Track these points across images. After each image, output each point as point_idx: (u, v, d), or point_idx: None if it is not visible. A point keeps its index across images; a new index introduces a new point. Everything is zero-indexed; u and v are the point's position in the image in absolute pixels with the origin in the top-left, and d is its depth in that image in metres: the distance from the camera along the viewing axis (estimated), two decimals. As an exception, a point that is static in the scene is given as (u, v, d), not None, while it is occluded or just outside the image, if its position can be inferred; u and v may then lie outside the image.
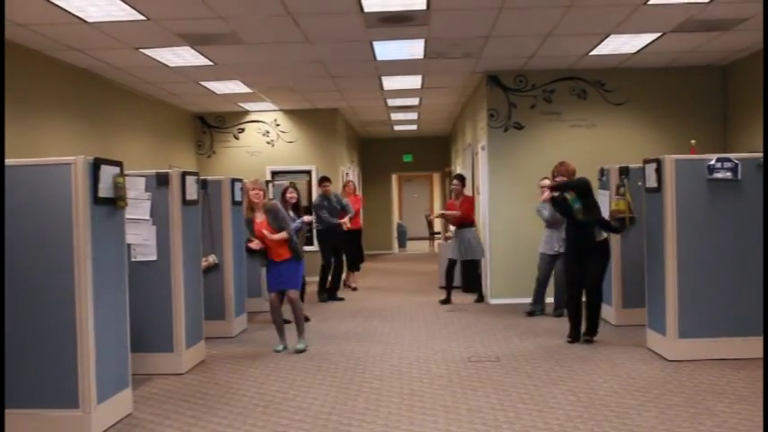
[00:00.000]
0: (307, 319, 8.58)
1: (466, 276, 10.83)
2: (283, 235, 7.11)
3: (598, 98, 10.05)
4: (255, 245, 7.24)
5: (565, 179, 7.20)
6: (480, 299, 10.06)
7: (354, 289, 11.85)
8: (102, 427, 4.93)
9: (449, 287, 10.14)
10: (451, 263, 10.15)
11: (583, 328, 7.31)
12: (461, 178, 10.47)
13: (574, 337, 7.32)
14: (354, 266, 11.85)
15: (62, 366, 4.82)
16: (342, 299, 10.72)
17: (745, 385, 5.61)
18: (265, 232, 7.08)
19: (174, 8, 6.55)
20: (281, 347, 7.36)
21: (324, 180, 10.88)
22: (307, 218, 9.21)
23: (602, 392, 5.54)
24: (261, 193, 7.20)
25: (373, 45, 8.25)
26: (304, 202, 12.52)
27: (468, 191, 10.71)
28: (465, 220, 10.04)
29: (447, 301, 10.01)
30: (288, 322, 7.73)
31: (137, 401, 5.56)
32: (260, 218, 7.19)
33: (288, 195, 9.01)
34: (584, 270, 7.23)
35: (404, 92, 11.89)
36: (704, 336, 6.44)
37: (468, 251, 9.92)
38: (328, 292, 10.67)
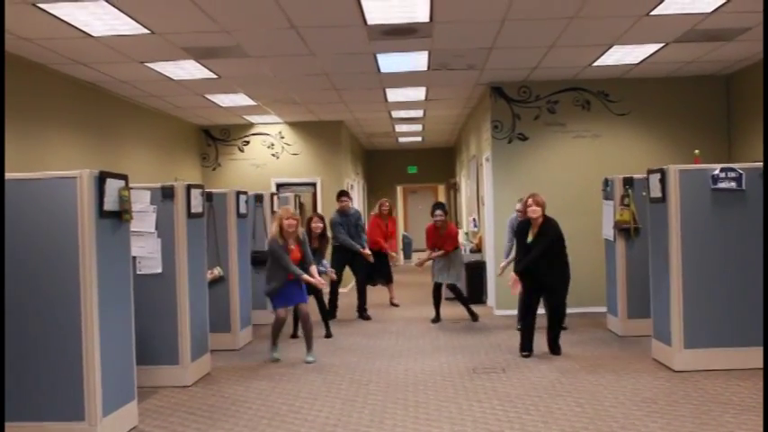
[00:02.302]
0: (294, 336, 8.61)
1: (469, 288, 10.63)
2: (315, 269, 7.60)
3: (602, 109, 10.06)
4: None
5: (540, 209, 7.18)
6: (474, 318, 9.59)
7: (396, 305, 11.23)
8: (107, 439, 4.95)
9: (437, 306, 9.74)
10: (438, 285, 9.70)
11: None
12: (444, 207, 9.84)
13: (529, 350, 7.36)
14: (389, 280, 11.07)
15: (68, 379, 4.84)
16: (369, 317, 10.10)
17: (752, 395, 5.59)
18: (307, 277, 7.35)
19: (178, 22, 6.59)
20: (278, 355, 7.53)
21: (341, 195, 10.32)
22: (330, 272, 8.98)
23: (607, 403, 5.53)
24: (295, 223, 7.33)
25: (377, 57, 8.28)
26: (307, 214, 12.54)
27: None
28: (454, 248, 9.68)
29: (437, 318, 9.66)
30: (296, 336, 7.79)
31: (142, 414, 5.56)
32: (293, 244, 7.36)
33: (313, 225, 8.67)
34: (543, 289, 7.36)
35: (408, 104, 11.92)
36: (710, 346, 6.43)
37: (458, 275, 9.60)
38: (358, 312, 10.20)
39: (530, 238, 7.24)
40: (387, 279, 11.05)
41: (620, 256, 8.17)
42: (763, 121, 8.30)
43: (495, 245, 10.13)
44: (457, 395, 5.92)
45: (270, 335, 7.60)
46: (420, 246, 22.37)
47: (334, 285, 9.87)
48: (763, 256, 6.35)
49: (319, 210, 12.96)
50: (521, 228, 7.42)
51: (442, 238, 9.57)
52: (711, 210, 6.44)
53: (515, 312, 9.05)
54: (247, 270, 8.71)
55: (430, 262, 9.82)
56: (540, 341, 7.47)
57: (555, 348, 7.41)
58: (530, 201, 7.24)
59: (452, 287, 9.67)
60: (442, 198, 23.10)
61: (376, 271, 10.79)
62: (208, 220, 7.55)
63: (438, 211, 9.63)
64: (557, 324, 7.42)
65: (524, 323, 7.43)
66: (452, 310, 10.00)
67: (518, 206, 8.47)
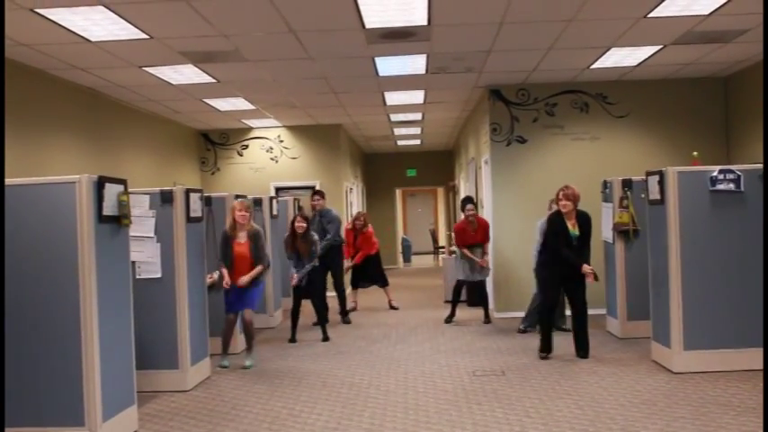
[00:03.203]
0: (293, 340, 8.60)
1: (472, 293, 10.64)
2: (258, 269, 7.37)
3: (600, 111, 10.07)
4: (211, 280, 7.43)
5: (570, 203, 7.11)
6: (488, 320, 9.60)
7: (395, 308, 11.19)
8: (107, 444, 4.94)
9: (454, 305, 9.77)
10: (460, 284, 9.72)
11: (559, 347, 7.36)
12: (473, 200, 9.77)
13: (548, 350, 7.31)
14: (384, 283, 11.05)
15: (67, 384, 4.84)
16: (349, 321, 9.99)
17: (752, 397, 5.59)
18: (244, 278, 7.27)
19: (176, 27, 6.60)
20: (227, 363, 7.43)
21: (314, 194, 10.22)
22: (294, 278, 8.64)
23: (607, 405, 5.53)
24: (247, 215, 7.34)
25: (375, 61, 8.29)
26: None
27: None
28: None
29: (451, 318, 9.72)
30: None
31: (142, 419, 5.56)
32: (243, 239, 7.34)
33: (296, 225, 8.52)
34: (568, 292, 7.29)
35: (406, 107, 11.93)
36: (710, 347, 6.43)
37: (480, 272, 9.54)
38: (341, 315, 10.11)
39: (570, 230, 7.14)
40: (381, 282, 11.06)
41: (620, 258, 8.17)
42: (763, 123, 8.31)
43: (494, 247, 10.12)
44: (457, 398, 5.92)
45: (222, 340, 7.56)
46: (419, 249, 22.49)
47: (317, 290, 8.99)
48: (762, 258, 6.36)
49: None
50: (556, 219, 7.19)
51: (476, 233, 9.41)
52: (710, 211, 6.44)
53: (515, 315, 9.07)
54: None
55: (452, 255, 9.76)
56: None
57: (586, 351, 7.24)
58: (560, 194, 7.15)
59: (480, 284, 9.66)
60: (441, 201, 23.13)
61: (366, 276, 10.88)
62: (207, 224, 7.54)
63: (469, 205, 9.47)
64: (586, 324, 7.26)
65: (547, 322, 7.32)
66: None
67: (554, 207, 7.89)
